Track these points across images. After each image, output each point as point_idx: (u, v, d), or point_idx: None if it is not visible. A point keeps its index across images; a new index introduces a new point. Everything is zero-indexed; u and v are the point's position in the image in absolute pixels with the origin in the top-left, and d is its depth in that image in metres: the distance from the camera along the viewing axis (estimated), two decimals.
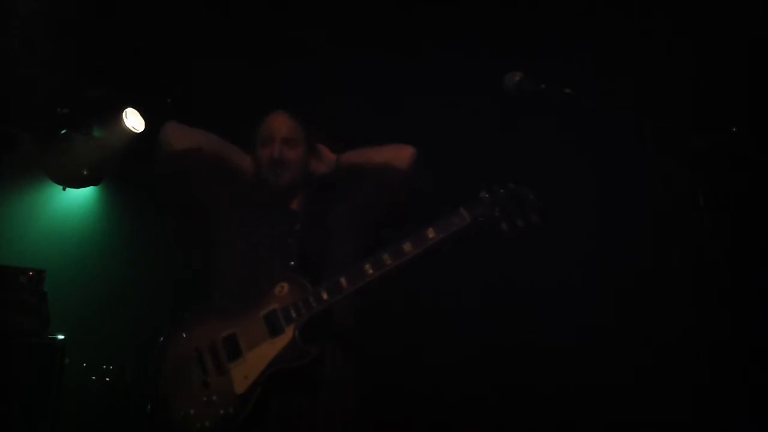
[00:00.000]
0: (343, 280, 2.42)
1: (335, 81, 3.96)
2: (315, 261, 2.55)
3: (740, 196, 3.03)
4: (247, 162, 2.72)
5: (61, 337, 3.81)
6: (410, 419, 3.68)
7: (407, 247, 2.40)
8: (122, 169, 4.55)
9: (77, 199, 4.61)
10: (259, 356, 2.41)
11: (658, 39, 3.38)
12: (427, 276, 3.09)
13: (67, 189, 4.47)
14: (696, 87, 3.24)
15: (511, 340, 3.61)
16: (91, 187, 4.56)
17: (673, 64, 3.35)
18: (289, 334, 2.41)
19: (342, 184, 2.75)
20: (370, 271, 2.40)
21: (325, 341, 2.48)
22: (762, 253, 3.04)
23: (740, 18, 3.17)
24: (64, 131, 4.26)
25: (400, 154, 2.68)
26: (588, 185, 3.48)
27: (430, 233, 2.40)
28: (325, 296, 2.42)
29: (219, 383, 2.40)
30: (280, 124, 2.67)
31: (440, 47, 3.77)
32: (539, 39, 3.52)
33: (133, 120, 4.31)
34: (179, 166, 2.73)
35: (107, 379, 4.28)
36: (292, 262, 2.54)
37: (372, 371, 2.75)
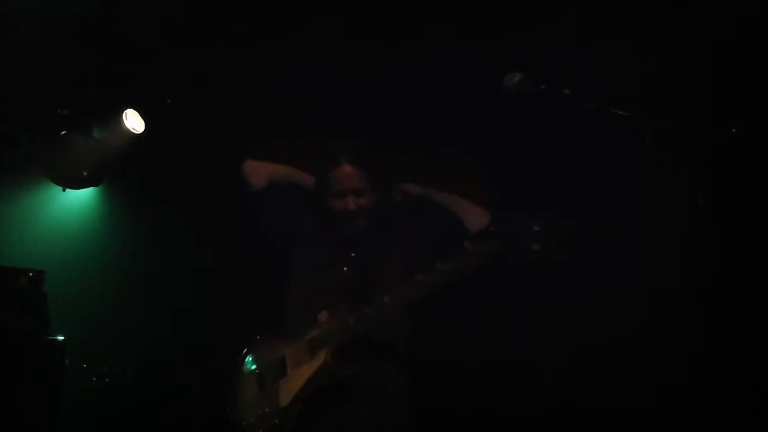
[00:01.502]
0: (366, 309, 2.67)
1: (334, 79, 3.96)
2: (366, 285, 2.80)
3: (740, 196, 3.03)
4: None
5: (61, 338, 3.81)
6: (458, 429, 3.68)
7: (421, 278, 2.60)
8: (122, 170, 4.55)
9: (77, 200, 4.61)
10: (300, 375, 2.71)
11: (658, 38, 3.38)
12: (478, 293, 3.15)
13: (67, 190, 4.47)
14: (696, 87, 3.24)
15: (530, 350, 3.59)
16: (91, 188, 4.56)
17: (674, 63, 3.35)
18: (322, 357, 2.68)
19: (408, 207, 3.01)
20: (389, 302, 2.63)
21: (373, 356, 2.75)
22: (762, 253, 3.03)
23: (742, 17, 3.17)
24: (64, 132, 4.26)
25: (476, 218, 2.91)
26: (587, 186, 3.47)
27: (440, 267, 2.59)
28: (352, 323, 2.67)
29: (270, 397, 2.75)
30: (348, 177, 2.87)
31: (438, 46, 3.76)
32: (539, 39, 3.52)
33: (133, 121, 4.31)
34: (265, 200, 3.09)
35: (107, 379, 4.28)
36: (339, 290, 2.81)
37: (423, 383, 3.00)
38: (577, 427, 3.48)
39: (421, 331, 2.99)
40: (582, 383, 3.49)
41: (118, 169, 4.53)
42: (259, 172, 3.11)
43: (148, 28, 3.99)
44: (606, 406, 3.38)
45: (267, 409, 2.72)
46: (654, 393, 3.26)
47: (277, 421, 2.68)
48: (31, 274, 3.81)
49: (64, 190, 4.46)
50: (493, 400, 3.61)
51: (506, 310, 3.57)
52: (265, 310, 3.22)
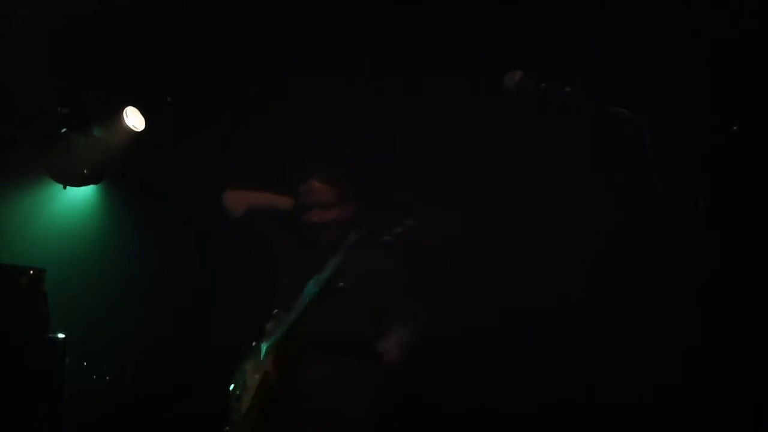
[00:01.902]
0: (287, 316, 2.89)
1: (334, 79, 3.96)
2: None
3: (740, 196, 3.03)
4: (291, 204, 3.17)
5: (61, 336, 3.80)
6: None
7: (318, 278, 2.86)
8: (122, 169, 4.55)
9: (77, 198, 4.61)
10: (253, 383, 2.91)
11: (658, 39, 3.38)
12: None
13: (68, 188, 4.47)
14: (696, 87, 3.24)
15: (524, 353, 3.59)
16: (92, 186, 4.56)
17: (674, 63, 3.34)
18: (266, 363, 2.89)
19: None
20: (300, 305, 2.85)
21: (334, 355, 2.89)
22: (762, 253, 3.03)
23: (742, 17, 3.17)
24: (64, 130, 4.26)
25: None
26: (587, 186, 3.47)
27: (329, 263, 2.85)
28: (282, 329, 2.89)
29: (238, 406, 2.97)
30: (314, 192, 3.02)
31: (438, 46, 3.76)
32: (539, 39, 3.52)
33: (134, 119, 4.31)
34: (248, 226, 3.23)
35: (107, 378, 4.28)
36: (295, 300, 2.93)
37: (422, 383, 3.22)
38: (577, 427, 3.48)
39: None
40: (582, 383, 3.49)
41: (119, 167, 4.53)
42: (237, 202, 3.25)
43: (148, 28, 3.99)
44: (606, 406, 3.38)
45: (235, 417, 2.97)
46: (654, 393, 3.26)
47: (242, 429, 2.93)
48: (31, 272, 3.81)
49: (64, 188, 4.46)
50: (493, 400, 3.61)
51: (506, 310, 3.57)
52: (264, 311, 3.23)
